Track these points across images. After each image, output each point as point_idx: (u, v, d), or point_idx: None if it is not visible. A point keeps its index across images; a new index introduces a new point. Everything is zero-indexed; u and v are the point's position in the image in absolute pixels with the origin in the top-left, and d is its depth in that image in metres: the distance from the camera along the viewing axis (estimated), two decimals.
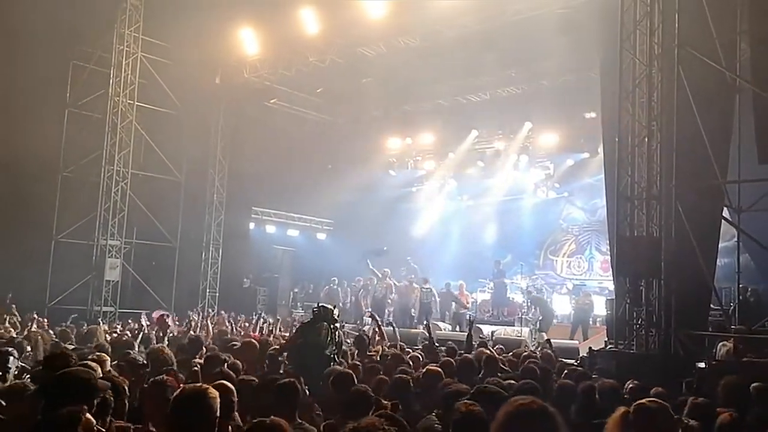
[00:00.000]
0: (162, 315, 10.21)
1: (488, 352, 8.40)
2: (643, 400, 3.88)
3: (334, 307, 7.13)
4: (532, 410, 2.65)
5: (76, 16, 15.73)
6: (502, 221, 23.85)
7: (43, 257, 17.46)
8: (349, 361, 7.13)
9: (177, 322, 14.56)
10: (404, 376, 5.91)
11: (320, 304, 7.12)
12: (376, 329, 10.27)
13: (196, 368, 5.88)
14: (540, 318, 17.58)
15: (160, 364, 5.66)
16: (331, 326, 6.76)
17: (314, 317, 6.87)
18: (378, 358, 7.92)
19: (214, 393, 3.24)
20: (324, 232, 25.72)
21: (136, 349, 7.66)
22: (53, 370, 4.44)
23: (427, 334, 10.49)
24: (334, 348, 6.80)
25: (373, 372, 6.35)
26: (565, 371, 7.06)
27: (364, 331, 11.81)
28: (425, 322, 12.05)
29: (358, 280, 20.94)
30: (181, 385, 4.15)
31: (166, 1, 17.33)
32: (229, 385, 4.07)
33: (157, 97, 18.91)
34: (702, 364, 8.16)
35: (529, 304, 18.75)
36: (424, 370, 6.49)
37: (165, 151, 19.22)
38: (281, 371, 6.59)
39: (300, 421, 4.48)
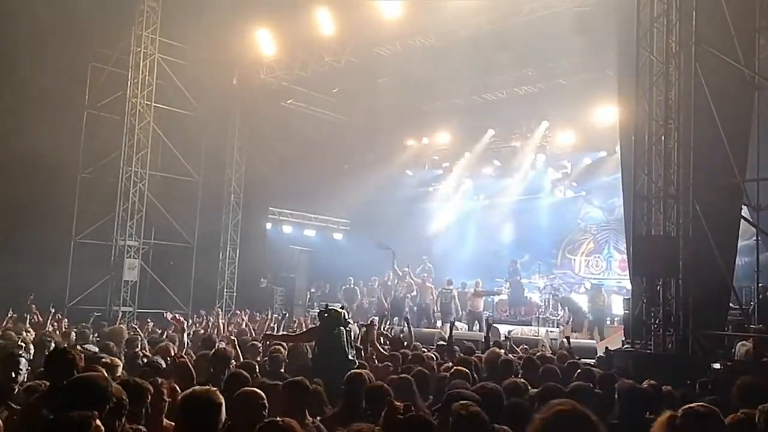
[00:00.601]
0: (175, 316, 10.27)
1: (501, 352, 8.35)
2: (693, 405, 3.55)
3: (342, 308, 7.01)
4: (573, 415, 2.46)
5: (94, 18, 15.92)
6: (519, 221, 23.85)
7: (63, 258, 17.65)
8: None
9: (196, 322, 14.72)
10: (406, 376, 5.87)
11: (329, 307, 6.96)
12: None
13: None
14: (571, 319, 17.61)
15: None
16: (346, 329, 6.67)
17: (328, 321, 6.70)
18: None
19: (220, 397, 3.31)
20: (340, 232, 25.83)
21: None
22: (56, 367, 4.57)
23: (447, 334, 10.46)
24: (353, 350, 6.77)
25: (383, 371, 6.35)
26: (578, 371, 7.01)
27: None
28: (450, 323, 12.02)
29: (374, 279, 21.01)
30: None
31: (183, 3, 17.44)
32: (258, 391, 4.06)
33: (175, 98, 19.03)
34: (717, 365, 8.09)
35: (554, 304, 18.80)
36: (450, 371, 6.37)
37: (182, 152, 19.36)
38: (282, 370, 6.54)
39: (312, 420, 4.50)
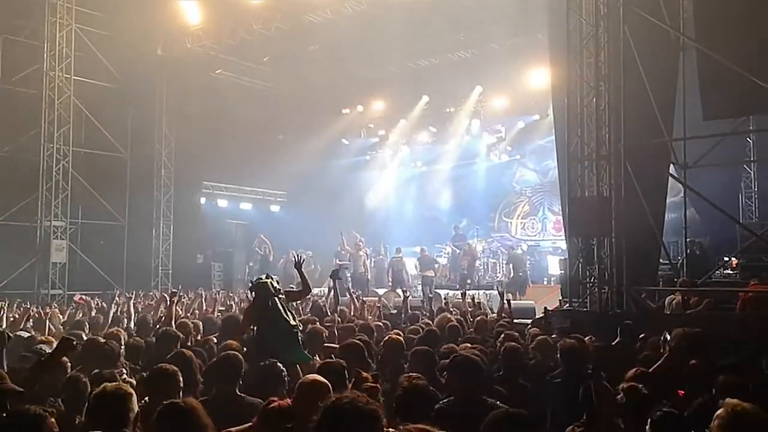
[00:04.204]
0: (82, 297, 9.91)
1: (451, 318, 8.45)
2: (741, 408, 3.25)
3: (268, 277, 6.74)
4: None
5: None
6: (456, 186, 24.17)
7: None
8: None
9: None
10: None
11: (257, 279, 6.79)
12: (339, 291, 10.11)
13: None
14: (511, 276, 18.02)
15: None
16: (278, 298, 6.49)
17: (258, 296, 6.55)
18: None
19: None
20: (277, 204, 25.67)
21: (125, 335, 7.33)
22: None
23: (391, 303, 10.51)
24: (294, 317, 6.68)
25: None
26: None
27: (317, 300, 11.71)
28: (403, 291, 11.99)
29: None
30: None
31: None
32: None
33: (96, 70, 18.29)
34: None
35: (492, 266, 19.16)
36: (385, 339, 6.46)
37: (108, 127, 18.71)
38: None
39: (241, 395, 4.64)
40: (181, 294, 10.57)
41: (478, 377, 4.50)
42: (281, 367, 4.89)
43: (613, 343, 6.89)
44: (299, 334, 6.38)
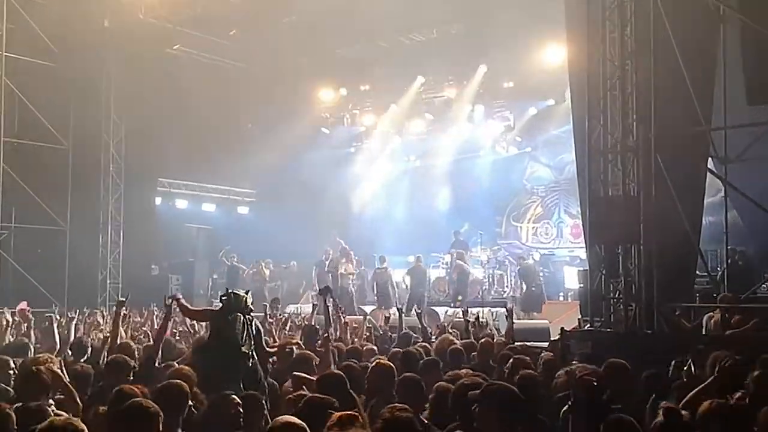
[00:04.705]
0: (23, 309, 9.81)
1: (454, 340, 8.47)
2: None
3: (247, 293, 7.09)
4: None
5: None
6: (456, 184, 24.18)
7: None
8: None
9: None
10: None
11: (230, 291, 7.10)
12: (332, 311, 10.08)
13: None
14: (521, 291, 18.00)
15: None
16: (246, 317, 6.79)
17: (224, 307, 6.86)
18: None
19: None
20: (246, 204, 25.67)
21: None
22: None
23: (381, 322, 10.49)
24: (250, 343, 6.83)
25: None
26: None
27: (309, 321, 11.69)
28: (398, 309, 11.99)
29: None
30: None
31: None
32: None
33: (32, 46, 18.08)
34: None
35: (498, 278, 19.07)
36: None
37: (45, 113, 18.45)
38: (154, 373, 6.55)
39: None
40: (128, 310, 10.35)
41: (522, 412, 4.56)
42: (236, 401, 4.83)
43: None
44: (247, 358, 6.58)
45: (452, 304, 17.23)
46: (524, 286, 18.43)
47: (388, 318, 11.50)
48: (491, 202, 23.86)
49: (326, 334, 8.23)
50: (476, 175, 23.96)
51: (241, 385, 6.29)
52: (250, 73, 22.19)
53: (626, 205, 9.97)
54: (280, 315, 13.30)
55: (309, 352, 7.33)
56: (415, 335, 10.06)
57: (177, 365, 6.62)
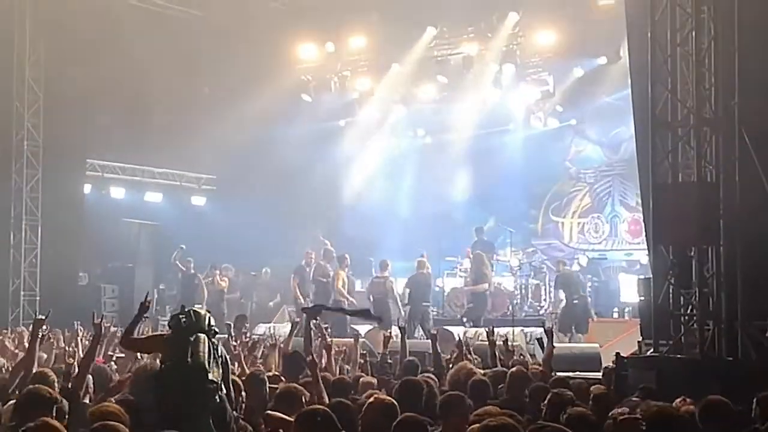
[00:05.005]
0: None
1: (474, 369, 8.50)
2: None
3: (208, 312, 7.02)
4: None
5: None
6: (478, 167, 24.21)
7: None
8: None
9: None
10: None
11: (187, 309, 6.99)
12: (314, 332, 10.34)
13: None
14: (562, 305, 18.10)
15: None
16: (211, 340, 6.70)
17: (180, 328, 6.76)
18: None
19: None
20: (202, 194, 25.81)
21: None
22: None
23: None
24: (219, 371, 6.78)
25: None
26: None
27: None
28: (401, 327, 12.08)
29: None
30: None
31: None
32: None
33: None
34: None
35: (534, 289, 19.12)
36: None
37: None
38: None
39: None
40: (48, 330, 10.48)
41: None
42: None
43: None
44: (216, 390, 6.55)
45: (464, 322, 17.20)
46: (564, 299, 18.40)
47: (388, 339, 11.46)
48: (524, 191, 24.01)
49: (311, 358, 8.24)
50: (504, 156, 24.06)
51: (211, 423, 6.34)
52: (209, 23, 22.24)
53: (702, 195, 10.06)
54: (247, 337, 13.30)
55: (295, 385, 7.34)
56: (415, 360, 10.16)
57: (112, 401, 6.58)
